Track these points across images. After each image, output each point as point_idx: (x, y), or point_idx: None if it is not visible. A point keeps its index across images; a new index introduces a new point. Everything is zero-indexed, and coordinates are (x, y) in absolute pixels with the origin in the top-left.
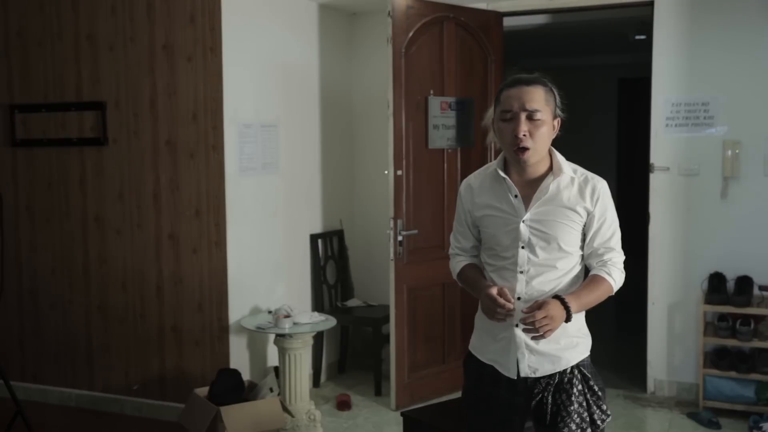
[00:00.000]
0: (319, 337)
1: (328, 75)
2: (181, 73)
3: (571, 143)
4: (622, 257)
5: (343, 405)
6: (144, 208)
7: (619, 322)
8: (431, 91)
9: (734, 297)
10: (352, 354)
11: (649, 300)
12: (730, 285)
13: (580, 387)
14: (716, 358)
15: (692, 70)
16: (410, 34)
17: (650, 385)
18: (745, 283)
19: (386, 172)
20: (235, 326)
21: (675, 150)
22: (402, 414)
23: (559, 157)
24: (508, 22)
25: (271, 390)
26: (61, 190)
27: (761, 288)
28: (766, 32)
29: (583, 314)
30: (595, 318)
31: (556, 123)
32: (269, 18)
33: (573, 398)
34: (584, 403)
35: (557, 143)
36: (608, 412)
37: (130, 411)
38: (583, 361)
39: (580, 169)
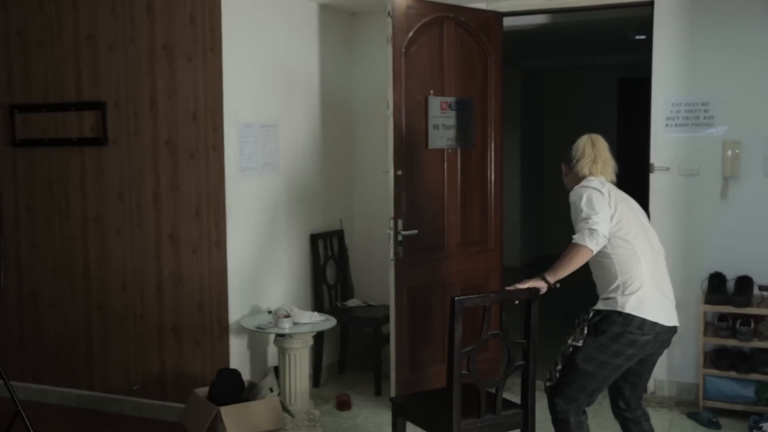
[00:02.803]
0: (319, 337)
1: (328, 75)
2: (181, 73)
3: (570, 143)
4: (588, 224)
5: (343, 405)
6: (144, 208)
7: None
8: (431, 91)
9: (734, 297)
10: (352, 354)
11: None
12: (730, 285)
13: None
14: (716, 358)
15: (692, 70)
16: (410, 34)
17: (650, 384)
18: (745, 283)
19: (386, 172)
20: (235, 326)
21: (675, 150)
22: (390, 399)
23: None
24: (508, 22)
25: (271, 390)
26: (61, 190)
27: (761, 288)
28: (766, 32)
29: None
30: None
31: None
32: (269, 18)
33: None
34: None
35: (556, 146)
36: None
37: (130, 411)
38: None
39: None
